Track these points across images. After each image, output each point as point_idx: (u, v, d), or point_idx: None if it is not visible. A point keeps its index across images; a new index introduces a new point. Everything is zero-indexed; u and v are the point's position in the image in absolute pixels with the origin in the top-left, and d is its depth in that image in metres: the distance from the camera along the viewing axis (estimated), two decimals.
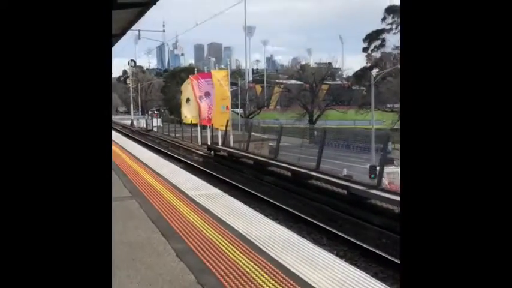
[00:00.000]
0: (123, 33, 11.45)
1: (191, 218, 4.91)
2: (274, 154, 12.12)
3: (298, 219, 8.47)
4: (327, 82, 48.71)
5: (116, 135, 18.16)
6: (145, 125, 34.75)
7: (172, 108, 56.67)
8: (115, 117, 55.58)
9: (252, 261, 3.61)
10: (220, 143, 17.80)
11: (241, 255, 3.75)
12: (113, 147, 12.73)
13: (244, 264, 3.54)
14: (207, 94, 19.29)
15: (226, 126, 16.63)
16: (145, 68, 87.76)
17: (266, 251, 3.88)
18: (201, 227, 4.55)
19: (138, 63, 64.72)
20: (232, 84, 34.69)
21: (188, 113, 22.75)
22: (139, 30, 23.47)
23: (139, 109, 56.00)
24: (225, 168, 14.17)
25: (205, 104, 19.88)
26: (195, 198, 5.93)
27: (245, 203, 9.73)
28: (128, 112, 55.66)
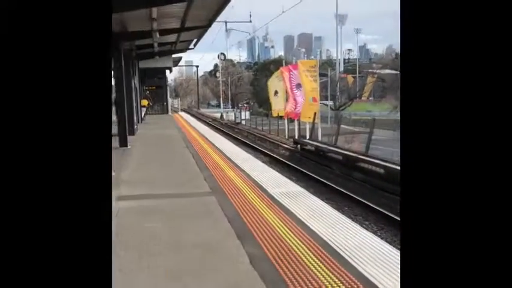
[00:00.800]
0: (209, 24, 11.48)
1: (270, 219, 4.51)
2: (365, 149, 11.27)
3: (390, 220, 7.67)
4: None
5: (204, 129, 18.58)
6: (233, 118, 35.39)
7: (261, 101, 57.32)
8: (206, 110, 57.75)
9: (336, 276, 3.10)
10: (307, 137, 17.25)
11: (324, 267, 3.26)
12: (199, 140, 12.90)
13: (326, 280, 3.05)
14: (299, 86, 18.71)
15: (314, 119, 15.99)
16: (235, 61, 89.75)
17: (353, 263, 3.33)
18: (279, 230, 4.12)
19: (228, 57, 66.37)
20: (322, 75, 33.69)
21: (276, 106, 22.52)
22: (226, 22, 23.68)
23: (229, 102, 57.47)
24: (311, 163, 13.62)
25: (296, 97, 19.37)
26: (276, 197, 5.53)
27: (332, 200, 9.17)
28: (218, 105, 57.44)
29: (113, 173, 7.33)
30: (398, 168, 9.38)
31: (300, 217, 4.57)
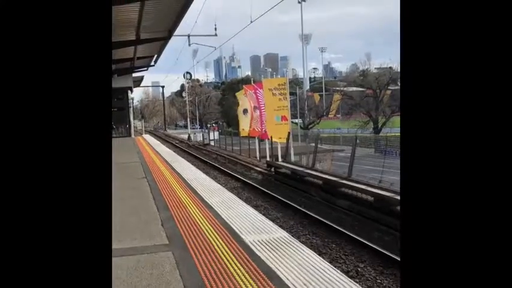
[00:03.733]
0: (169, 36, 10.24)
1: None
2: (348, 171, 10.10)
3: (388, 260, 6.44)
4: (390, 88, 45.55)
5: (168, 153, 17.02)
6: (202, 139, 33.92)
7: (229, 120, 56.17)
8: (173, 132, 55.85)
9: None
10: (280, 157, 16.09)
11: None
12: (161, 167, 11.40)
13: None
14: (263, 105, 17.85)
15: (288, 139, 14.83)
16: (203, 82, 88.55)
17: None
18: None
19: (195, 77, 65.14)
20: (290, 94, 32.98)
21: (246, 126, 21.55)
22: (189, 35, 22.20)
23: (198, 122, 55.88)
24: (287, 189, 12.33)
25: (263, 116, 18.50)
26: (254, 249, 4.18)
27: (317, 236, 7.87)
28: (186, 126, 55.87)
29: None
30: (389, 195, 8.28)
31: (291, 284, 3.24)
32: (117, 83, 22.12)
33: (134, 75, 24.28)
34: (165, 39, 10.59)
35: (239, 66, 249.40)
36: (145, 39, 10.46)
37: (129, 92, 29.46)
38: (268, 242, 4.37)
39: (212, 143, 30.88)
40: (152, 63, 17.33)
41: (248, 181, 13.69)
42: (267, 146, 18.74)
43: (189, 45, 22.55)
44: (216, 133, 34.16)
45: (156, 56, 15.40)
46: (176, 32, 12.10)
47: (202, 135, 35.27)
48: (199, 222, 5.29)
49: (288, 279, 3.37)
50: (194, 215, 5.68)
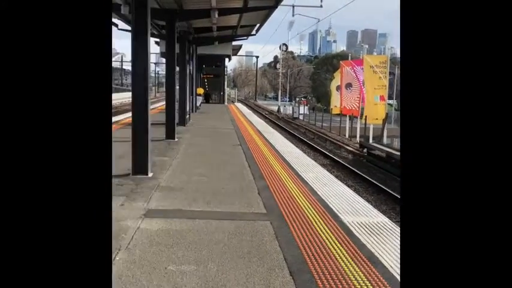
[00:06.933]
0: (276, 5, 10.14)
1: (352, 275, 3.03)
2: None
3: None
4: None
5: (259, 123, 17.25)
6: (291, 112, 33.88)
7: (319, 95, 55.30)
8: (262, 102, 56.55)
9: None
10: (371, 138, 15.50)
11: None
12: (254, 136, 11.57)
13: None
14: (363, 83, 17.22)
15: (384, 121, 14.15)
16: (296, 54, 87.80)
17: None
18: None
19: (289, 49, 64.64)
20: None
21: (338, 103, 21.07)
22: (293, 5, 21.70)
23: (287, 95, 55.89)
24: (380, 172, 11.83)
25: (357, 93, 17.91)
26: (353, 229, 4.04)
27: None
28: (276, 98, 56.16)
29: (150, 173, 6.19)
30: None
31: (395, 273, 3.07)
32: (217, 50, 22.71)
33: (233, 43, 24.73)
34: (272, 8, 10.51)
35: (334, 41, 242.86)
36: (252, 7, 10.46)
37: (226, 59, 30.22)
38: (367, 226, 4.19)
39: (301, 117, 30.70)
40: (253, 32, 17.44)
41: (338, 159, 13.39)
42: (358, 126, 18.15)
43: (293, 15, 22.20)
44: (306, 107, 33.86)
45: (258, 25, 15.42)
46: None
47: (292, 108, 35.16)
48: (295, 196, 5.25)
49: (392, 267, 3.20)
50: (289, 188, 5.65)
